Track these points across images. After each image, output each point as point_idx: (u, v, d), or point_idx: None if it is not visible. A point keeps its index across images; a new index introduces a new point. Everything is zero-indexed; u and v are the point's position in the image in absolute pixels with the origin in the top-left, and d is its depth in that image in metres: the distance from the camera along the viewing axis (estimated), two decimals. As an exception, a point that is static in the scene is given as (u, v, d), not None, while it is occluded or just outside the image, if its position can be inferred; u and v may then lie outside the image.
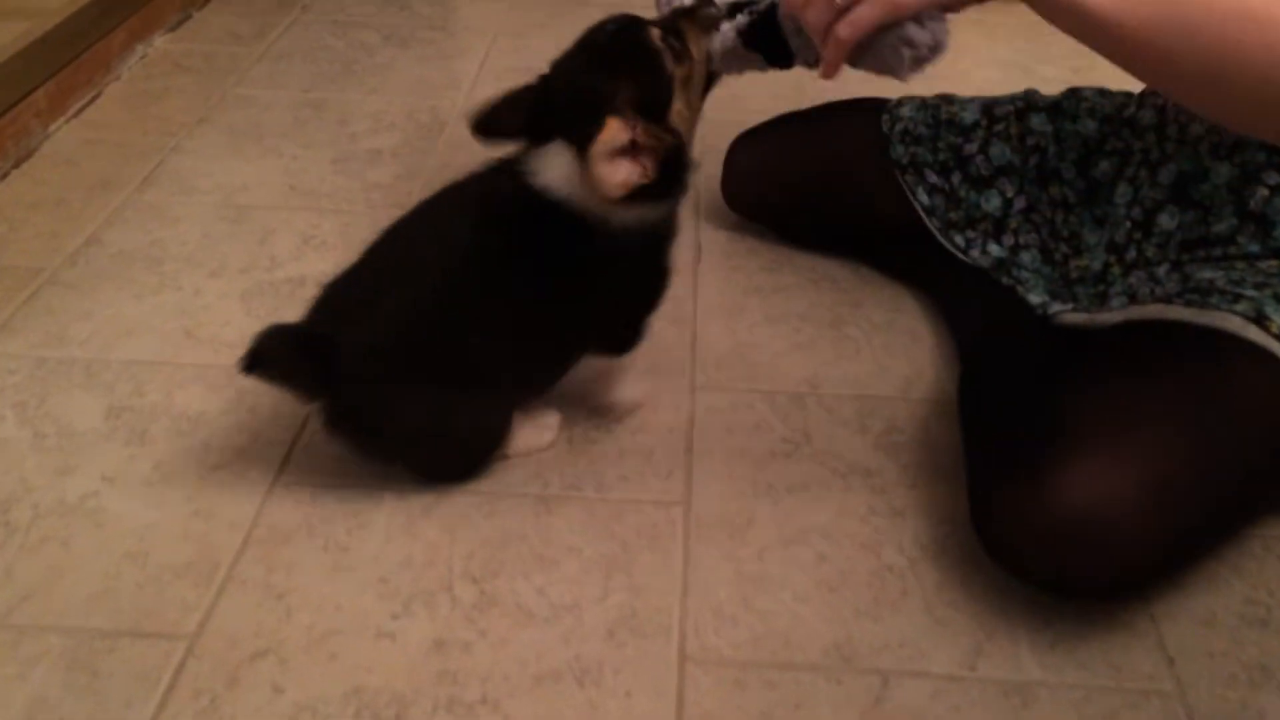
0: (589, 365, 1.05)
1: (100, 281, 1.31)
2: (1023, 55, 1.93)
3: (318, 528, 0.99)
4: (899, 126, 1.27)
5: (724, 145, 1.40)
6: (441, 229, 0.96)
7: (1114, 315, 1.03)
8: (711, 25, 0.96)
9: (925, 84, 1.01)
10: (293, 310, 0.99)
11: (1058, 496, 0.85)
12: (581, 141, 0.86)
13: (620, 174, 0.84)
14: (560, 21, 2.06)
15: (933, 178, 1.24)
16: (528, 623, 0.91)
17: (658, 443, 1.10)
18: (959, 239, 1.23)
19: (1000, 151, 1.21)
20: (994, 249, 1.21)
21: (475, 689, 0.86)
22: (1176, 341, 0.94)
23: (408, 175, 1.54)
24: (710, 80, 0.99)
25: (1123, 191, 1.12)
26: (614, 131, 0.84)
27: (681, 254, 1.05)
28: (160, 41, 1.93)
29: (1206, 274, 1.00)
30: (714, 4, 0.97)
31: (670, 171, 0.87)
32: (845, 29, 0.86)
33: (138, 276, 1.32)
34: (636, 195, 0.86)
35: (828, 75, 0.90)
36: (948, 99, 1.28)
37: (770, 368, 1.20)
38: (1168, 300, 0.98)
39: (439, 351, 0.93)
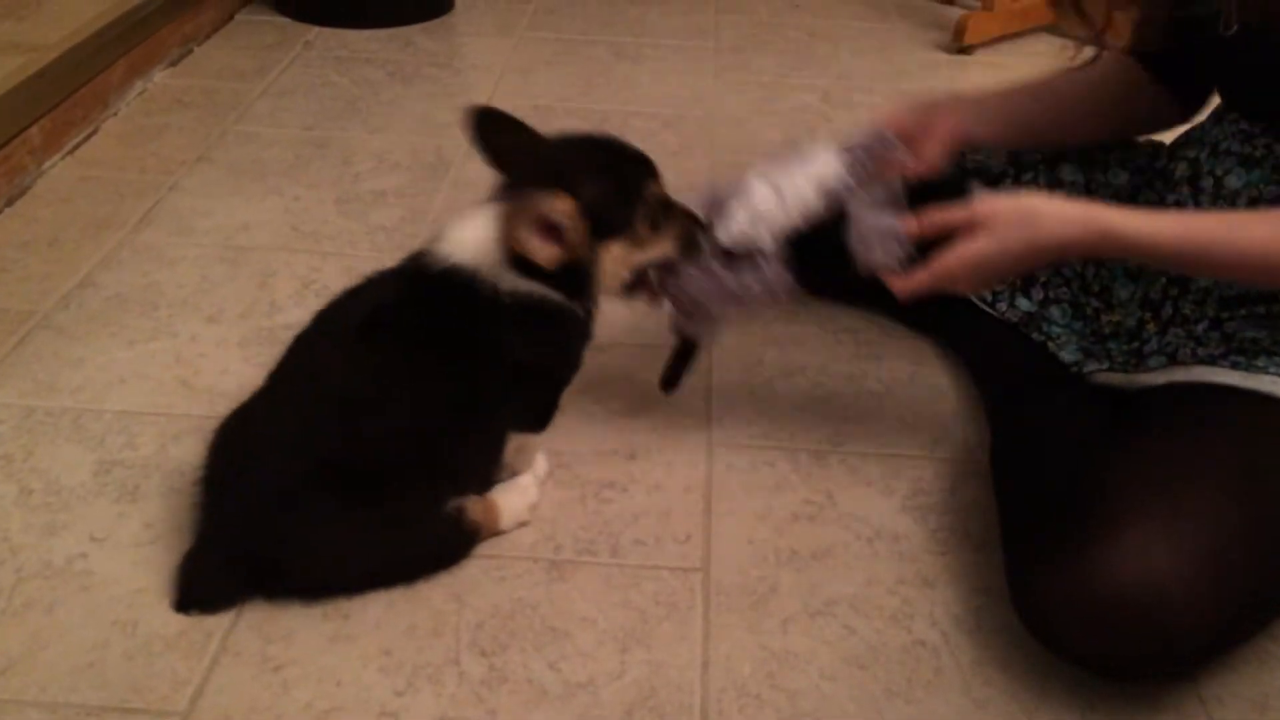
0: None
1: (93, 326, 1.26)
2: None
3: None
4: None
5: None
6: (337, 338, 0.96)
7: (1155, 376, 0.98)
8: (691, 248, 0.98)
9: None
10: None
11: (1104, 570, 0.80)
12: (524, 197, 0.89)
13: (533, 239, 0.89)
14: (567, 59, 2.03)
15: (958, 228, 1.20)
16: (540, 701, 0.85)
17: (675, 503, 1.05)
18: (987, 292, 1.19)
19: (1029, 201, 1.17)
20: (1023, 303, 1.16)
21: (485, 775, 0.80)
22: (1224, 406, 0.91)
23: (412, 218, 1.49)
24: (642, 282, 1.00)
25: (1157, 246, 1.08)
26: (559, 205, 0.89)
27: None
28: (160, 76, 1.89)
29: (1250, 332, 0.96)
30: (712, 240, 0.99)
31: (570, 276, 0.92)
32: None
33: (132, 321, 1.27)
34: (535, 269, 0.91)
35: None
36: (973, 146, 1.24)
37: (790, 423, 1.16)
38: (1212, 361, 0.94)
39: (355, 468, 0.90)
